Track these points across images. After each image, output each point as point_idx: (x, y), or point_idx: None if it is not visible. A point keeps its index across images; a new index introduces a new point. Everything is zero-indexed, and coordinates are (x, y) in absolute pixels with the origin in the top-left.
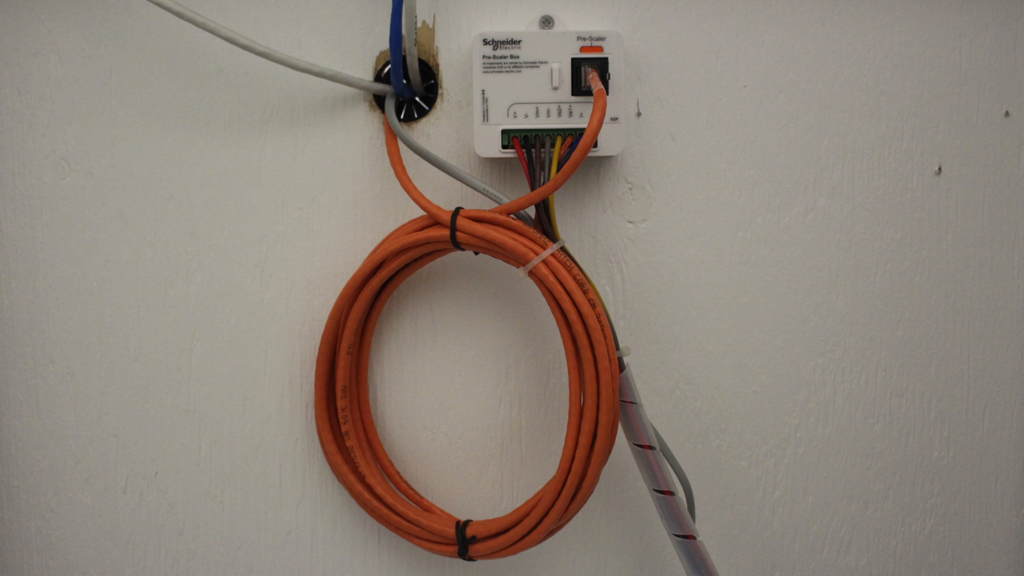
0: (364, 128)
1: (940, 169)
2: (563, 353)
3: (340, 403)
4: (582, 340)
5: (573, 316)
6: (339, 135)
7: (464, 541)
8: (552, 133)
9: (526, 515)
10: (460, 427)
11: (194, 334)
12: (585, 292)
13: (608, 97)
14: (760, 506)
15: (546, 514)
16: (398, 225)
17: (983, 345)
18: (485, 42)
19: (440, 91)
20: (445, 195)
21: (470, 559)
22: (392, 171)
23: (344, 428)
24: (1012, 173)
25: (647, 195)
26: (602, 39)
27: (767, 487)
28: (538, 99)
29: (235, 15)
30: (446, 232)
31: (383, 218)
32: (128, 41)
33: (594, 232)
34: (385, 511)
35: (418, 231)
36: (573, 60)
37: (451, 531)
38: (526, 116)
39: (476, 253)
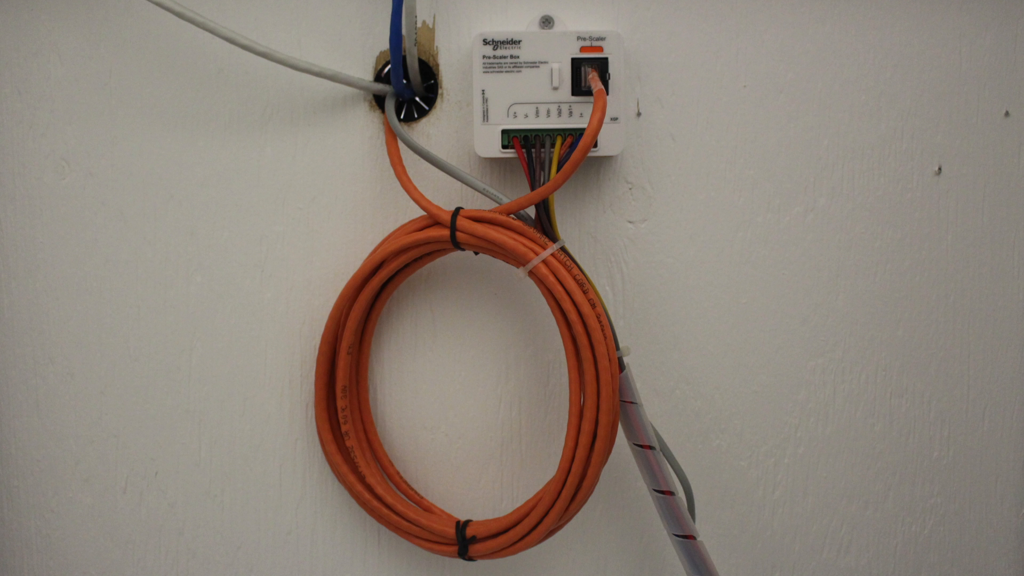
0: (364, 128)
1: (940, 169)
2: (563, 353)
3: (340, 403)
4: (582, 340)
5: (573, 316)
6: (339, 135)
7: (464, 541)
8: (552, 133)
9: (526, 515)
10: (460, 427)
11: (194, 334)
12: (585, 292)
13: (608, 97)
14: (760, 506)
15: (546, 514)
16: (398, 225)
17: (983, 345)
18: (485, 42)
19: (440, 91)
20: (445, 195)
21: (470, 559)
22: (392, 171)
23: (344, 428)
24: (1012, 173)
25: (647, 195)
26: (602, 39)
27: (767, 487)
28: (538, 99)
29: (235, 15)
30: (446, 232)
31: (383, 218)
32: (128, 41)
33: (594, 232)
34: (385, 511)
35: (418, 231)
36: (573, 60)
37: (451, 531)
38: (526, 116)
39: (476, 253)
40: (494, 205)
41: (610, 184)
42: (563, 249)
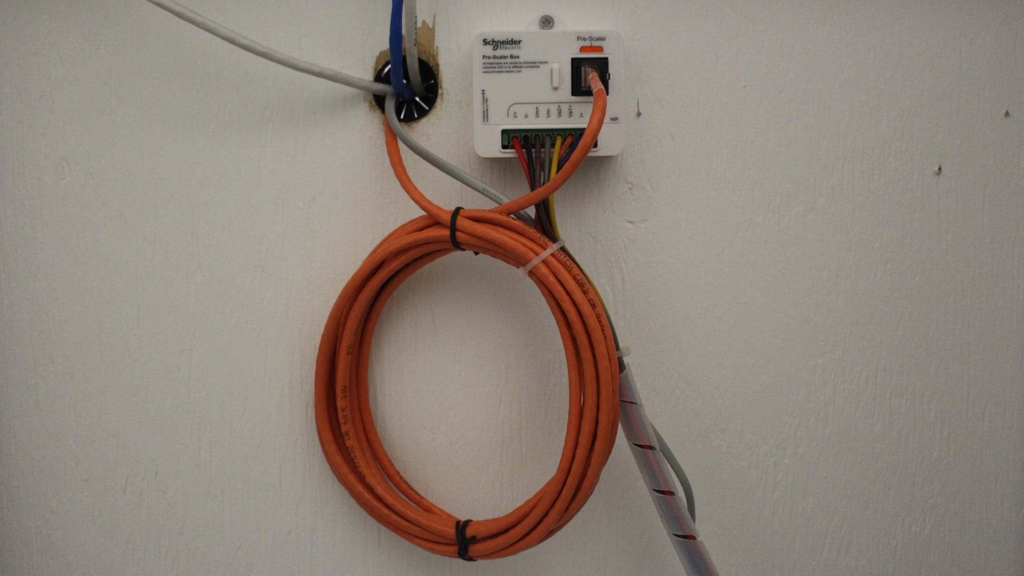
0: (364, 128)
1: (940, 169)
2: (563, 353)
3: (340, 403)
4: (582, 340)
5: (573, 316)
6: (339, 135)
7: (464, 541)
8: (552, 133)
9: (526, 515)
10: (460, 427)
11: (194, 334)
12: (585, 292)
13: (608, 97)
14: (760, 506)
15: (546, 514)
16: (398, 225)
17: (983, 345)
18: (485, 42)
19: (440, 91)
20: (445, 195)
21: (470, 559)
22: (392, 171)
23: (344, 428)
24: (1012, 173)
25: (647, 195)
26: (602, 39)
27: (767, 487)
28: (538, 99)
29: (235, 15)
30: (446, 232)
31: (383, 218)
32: (128, 41)
33: (594, 232)
34: (385, 511)
35: (418, 231)
36: (573, 60)
37: (451, 531)
38: (526, 116)
39: (476, 253)
40: (494, 205)
41: (610, 184)
42: (563, 249)
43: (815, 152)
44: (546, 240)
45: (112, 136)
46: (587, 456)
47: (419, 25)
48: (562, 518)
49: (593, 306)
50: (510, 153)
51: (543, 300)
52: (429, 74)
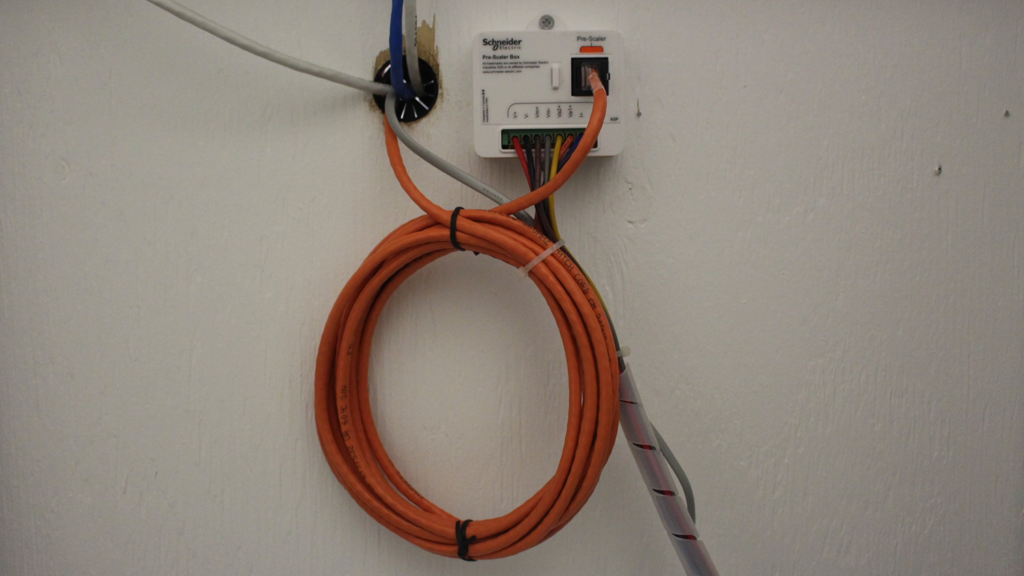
0: (364, 128)
1: (940, 169)
2: (563, 353)
3: (340, 403)
4: (582, 340)
5: (573, 316)
6: (339, 135)
7: (464, 541)
8: (552, 133)
9: (526, 515)
10: (460, 427)
11: (194, 334)
12: (585, 292)
13: (608, 97)
14: (760, 506)
15: (546, 514)
16: (398, 225)
17: (983, 345)
18: (485, 42)
19: (440, 91)
20: (445, 195)
21: (470, 559)
22: (392, 171)
23: (344, 428)
24: (1012, 173)
25: (647, 195)
26: (602, 39)
27: (767, 487)
28: (538, 99)
29: (235, 15)
30: (446, 232)
31: (383, 218)
32: (128, 41)
33: (594, 232)
34: (385, 511)
35: (418, 231)
36: (573, 60)
37: (451, 531)
38: (526, 116)
39: (476, 253)
40: (494, 205)
41: (610, 184)
42: (563, 249)
43: (815, 152)
44: (546, 240)
45: (112, 136)
46: (587, 456)
47: (419, 25)
48: (562, 518)
49: (593, 306)
50: (510, 153)
51: (543, 300)
52: (429, 74)
